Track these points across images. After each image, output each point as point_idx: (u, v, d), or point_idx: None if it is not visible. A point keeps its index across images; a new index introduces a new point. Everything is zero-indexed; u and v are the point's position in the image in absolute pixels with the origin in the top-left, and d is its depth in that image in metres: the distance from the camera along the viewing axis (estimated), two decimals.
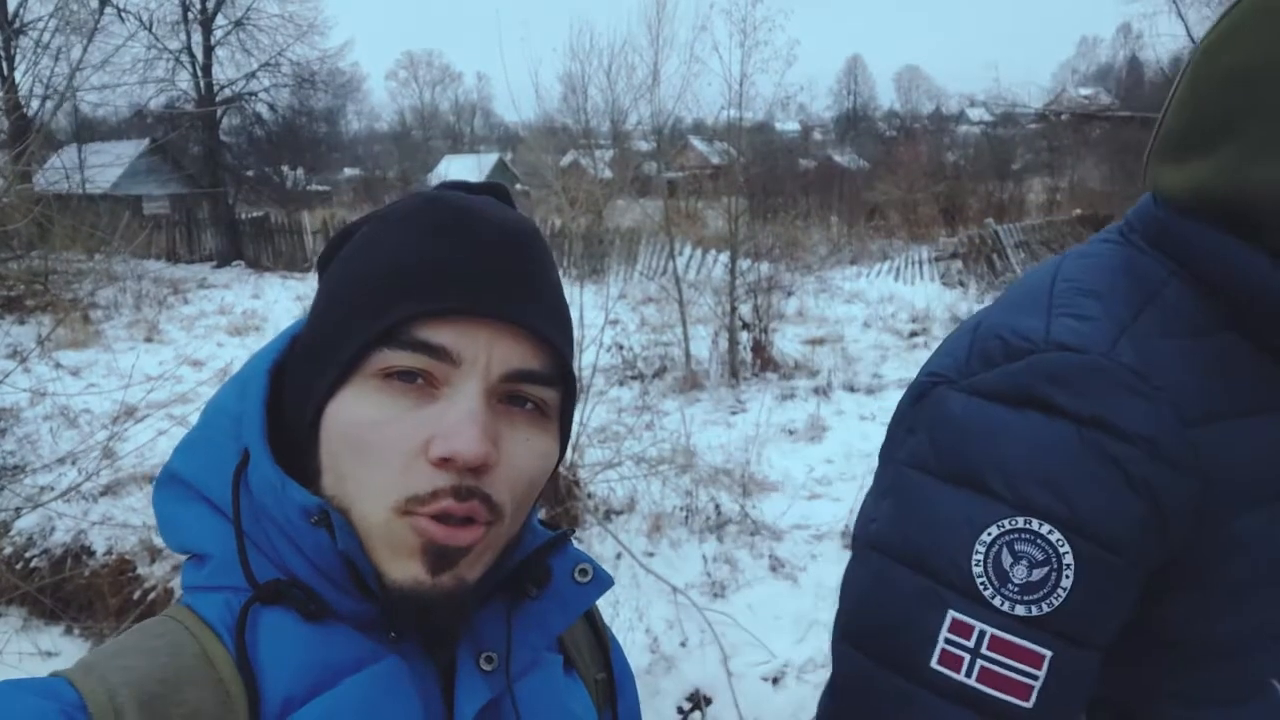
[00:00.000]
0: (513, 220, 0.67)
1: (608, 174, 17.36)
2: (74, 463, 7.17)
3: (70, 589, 6.78)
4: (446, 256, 0.63)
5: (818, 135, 65.15)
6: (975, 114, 45.16)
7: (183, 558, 0.66)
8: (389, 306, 0.62)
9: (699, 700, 5.14)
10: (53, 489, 7.00)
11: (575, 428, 7.16)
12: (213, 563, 0.62)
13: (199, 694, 0.56)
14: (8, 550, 7.27)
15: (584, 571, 0.70)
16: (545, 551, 0.69)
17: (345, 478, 0.61)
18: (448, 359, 0.62)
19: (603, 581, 0.71)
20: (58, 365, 10.98)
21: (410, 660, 0.63)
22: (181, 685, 0.56)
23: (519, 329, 0.64)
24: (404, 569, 0.61)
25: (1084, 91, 49.53)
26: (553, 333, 0.66)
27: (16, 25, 18.78)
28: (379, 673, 0.60)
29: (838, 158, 45.51)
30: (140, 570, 6.93)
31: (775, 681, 5.24)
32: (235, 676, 0.57)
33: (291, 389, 0.66)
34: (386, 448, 0.61)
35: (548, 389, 0.66)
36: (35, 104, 11.27)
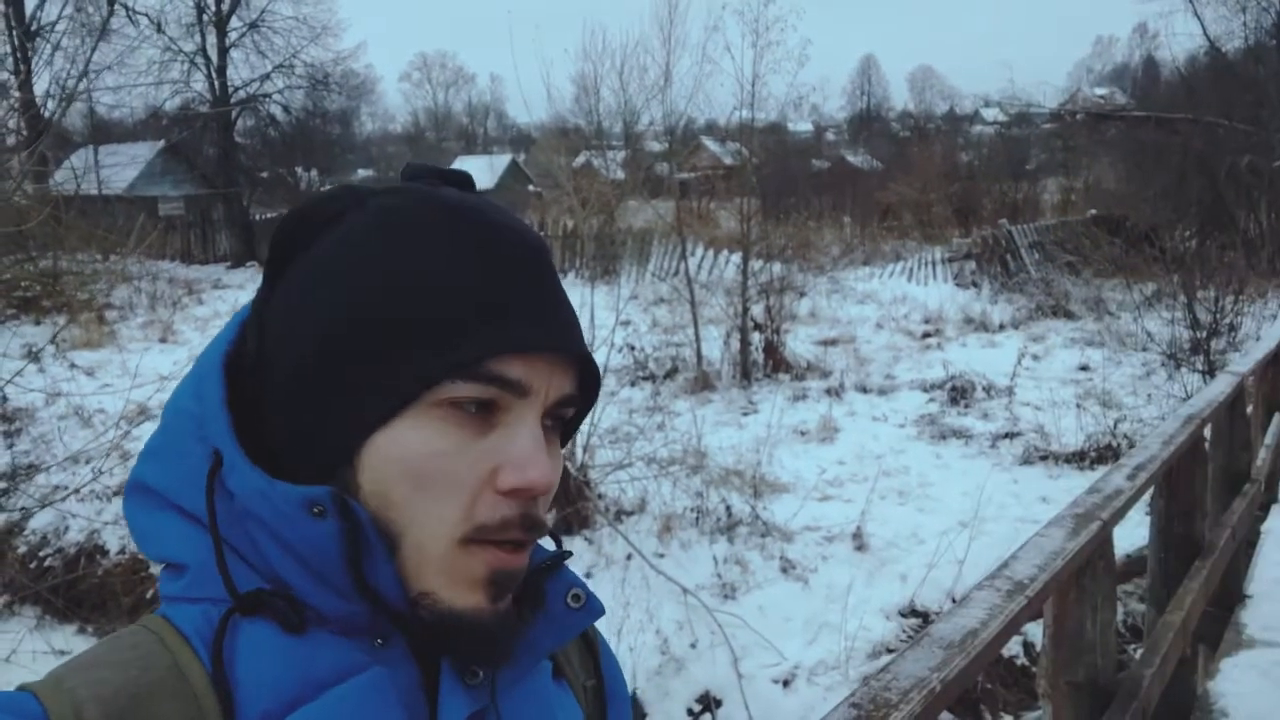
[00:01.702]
0: (530, 231, 0.67)
1: (620, 175, 17.36)
2: (88, 462, 7.21)
3: (83, 588, 6.82)
4: (504, 282, 0.62)
5: (831, 136, 65.03)
6: (990, 114, 44.98)
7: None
8: (458, 336, 0.60)
9: (709, 702, 5.13)
10: (66, 488, 7.05)
11: (586, 428, 7.15)
12: (190, 573, 0.60)
13: (170, 709, 0.55)
14: (21, 549, 7.32)
15: (576, 598, 0.68)
16: (542, 573, 0.68)
17: (399, 505, 0.60)
18: (519, 391, 0.62)
19: (594, 610, 0.69)
20: (72, 365, 11.04)
21: (395, 668, 0.61)
22: (153, 699, 0.54)
23: (570, 359, 0.65)
24: (466, 598, 0.60)
25: (1099, 91, 49.28)
26: (586, 351, 0.67)
27: (33, 28, 18.93)
28: (361, 685, 0.58)
29: (851, 158, 45.44)
30: (153, 570, 6.97)
31: (786, 684, 5.22)
32: (209, 691, 0.56)
33: (295, 405, 0.62)
34: (453, 479, 0.60)
35: (575, 405, 0.67)
36: (51, 105, 11.35)
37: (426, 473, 0.59)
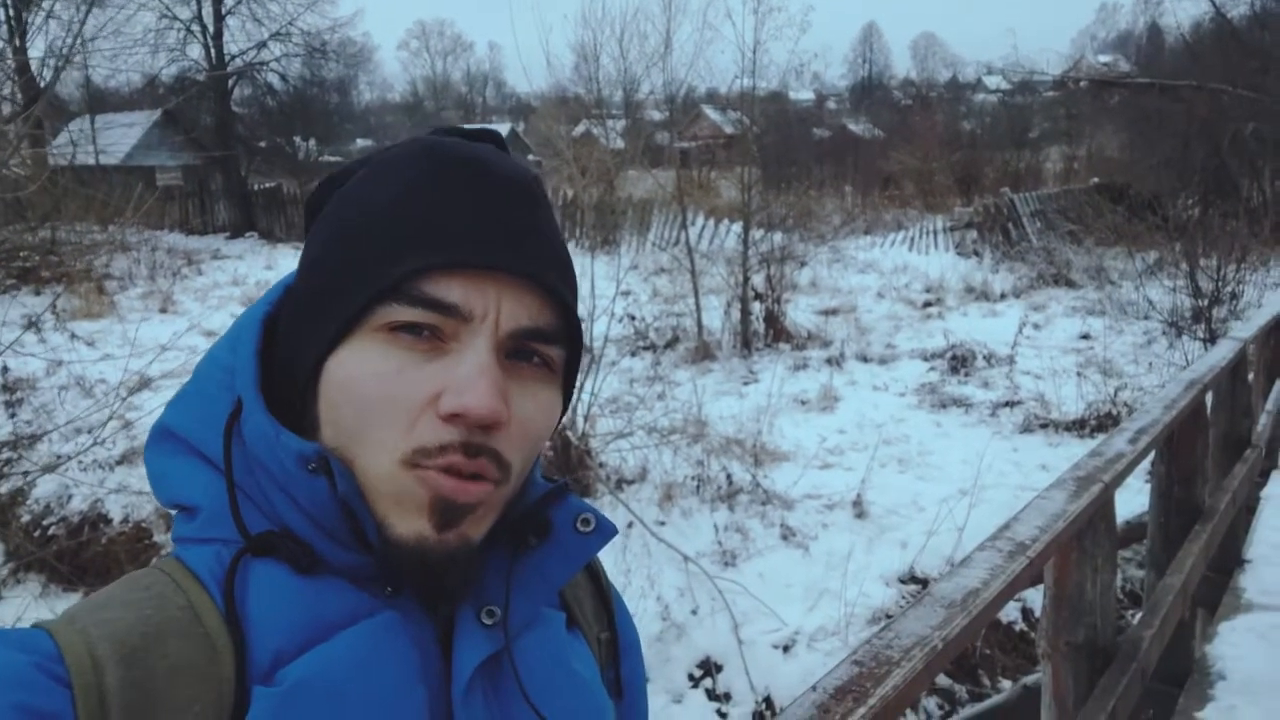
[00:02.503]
0: (517, 169, 0.66)
1: (620, 144, 17.25)
2: (89, 431, 7.22)
3: (87, 556, 6.85)
4: (453, 206, 0.61)
5: (832, 104, 64.54)
6: (992, 82, 44.64)
7: None
8: (394, 259, 0.60)
9: (710, 667, 5.17)
10: (69, 457, 7.06)
11: (587, 398, 7.16)
12: (202, 514, 0.61)
13: (183, 647, 0.55)
14: (25, 518, 7.35)
15: (586, 521, 0.68)
16: (545, 503, 0.68)
17: (347, 431, 0.60)
18: (457, 315, 0.60)
19: (605, 531, 0.69)
20: (73, 336, 11.04)
21: (407, 615, 0.61)
22: (165, 638, 0.55)
23: (528, 283, 0.63)
24: (409, 524, 0.59)
25: (1103, 59, 48.87)
26: (561, 286, 0.64)
27: None
28: (374, 626, 0.59)
29: (852, 127, 45.12)
30: (157, 538, 7.00)
31: (786, 649, 5.26)
32: (222, 629, 0.56)
33: (286, 340, 0.65)
34: (393, 401, 0.59)
35: (555, 347, 0.65)
36: (48, 74, 11.25)
37: (367, 395, 0.60)
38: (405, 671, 0.59)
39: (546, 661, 0.67)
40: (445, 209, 0.61)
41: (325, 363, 0.61)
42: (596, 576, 0.80)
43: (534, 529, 0.67)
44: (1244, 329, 5.29)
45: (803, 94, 56.01)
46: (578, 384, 7.37)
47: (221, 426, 0.62)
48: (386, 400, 0.59)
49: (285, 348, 0.65)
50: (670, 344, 11.71)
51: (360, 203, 0.64)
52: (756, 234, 12.61)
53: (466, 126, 0.71)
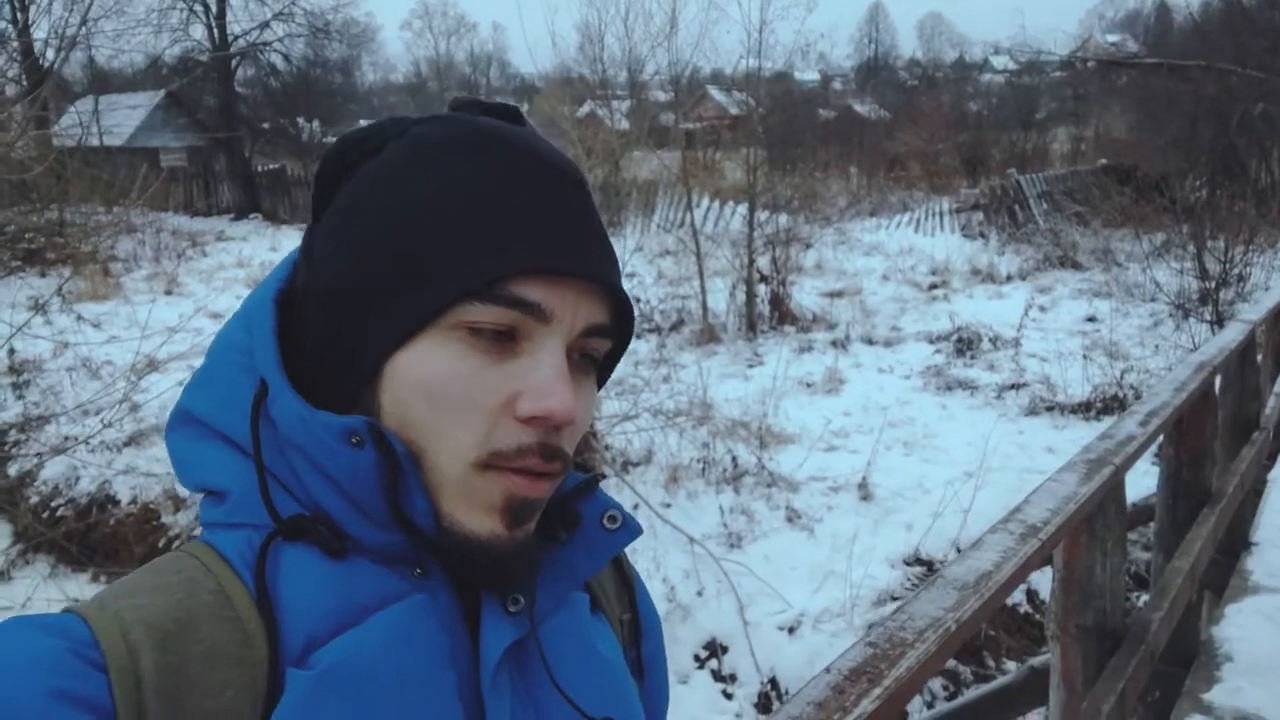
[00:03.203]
0: (564, 158, 0.66)
1: (625, 125, 17.18)
2: (97, 412, 7.24)
3: (96, 537, 6.89)
4: (531, 206, 0.61)
5: (838, 85, 64.19)
6: (999, 62, 44.32)
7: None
8: (478, 257, 0.59)
9: (715, 648, 5.20)
10: (76, 439, 7.09)
11: None
12: (231, 499, 0.61)
13: (216, 631, 0.55)
14: (34, 499, 7.39)
15: (613, 519, 0.69)
16: (575, 496, 0.68)
17: (417, 426, 0.60)
18: (539, 316, 0.60)
19: (631, 529, 0.70)
20: (79, 318, 11.07)
21: (435, 597, 0.62)
22: (197, 623, 0.55)
23: (599, 287, 0.63)
24: (482, 522, 0.60)
25: (1111, 38, 48.48)
26: (620, 285, 0.66)
27: None
28: (405, 610, 0.59)
29: (858, 108, 44.90)
30: (165, 519, 7.03)
31: (791, 631, 5.28)
32: (254, 614, 0.56)
33: (325, 330, 0.63)
34: (470, 401, 0.59)
35: (607, 341, 0.66)
36: (50, 54, 11.21)
37: (443, 395, 0.59)
38: (436, 654, 0.59)
39: (572, 645, 0.67)
40: (522, 208, 0.61)
41: (391, 358, 0.61)
42: (618, 559, 0.81)
43: (563, 522, 0.67)
44: (1252, 311, 5.27)
45: (808, 75, 55.70)
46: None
47: (247, 409, 0.61)
48: (464, 402, 0.59)
49: (326, 342, 0.63)
50: (675, 326, 11.70)
51: (420, 195, 0.62)
52: (762, 216, 12.58)
53: (483, 100, 0.70)
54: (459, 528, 0.60)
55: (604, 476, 0.71)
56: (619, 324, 0.67)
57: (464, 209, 0.61)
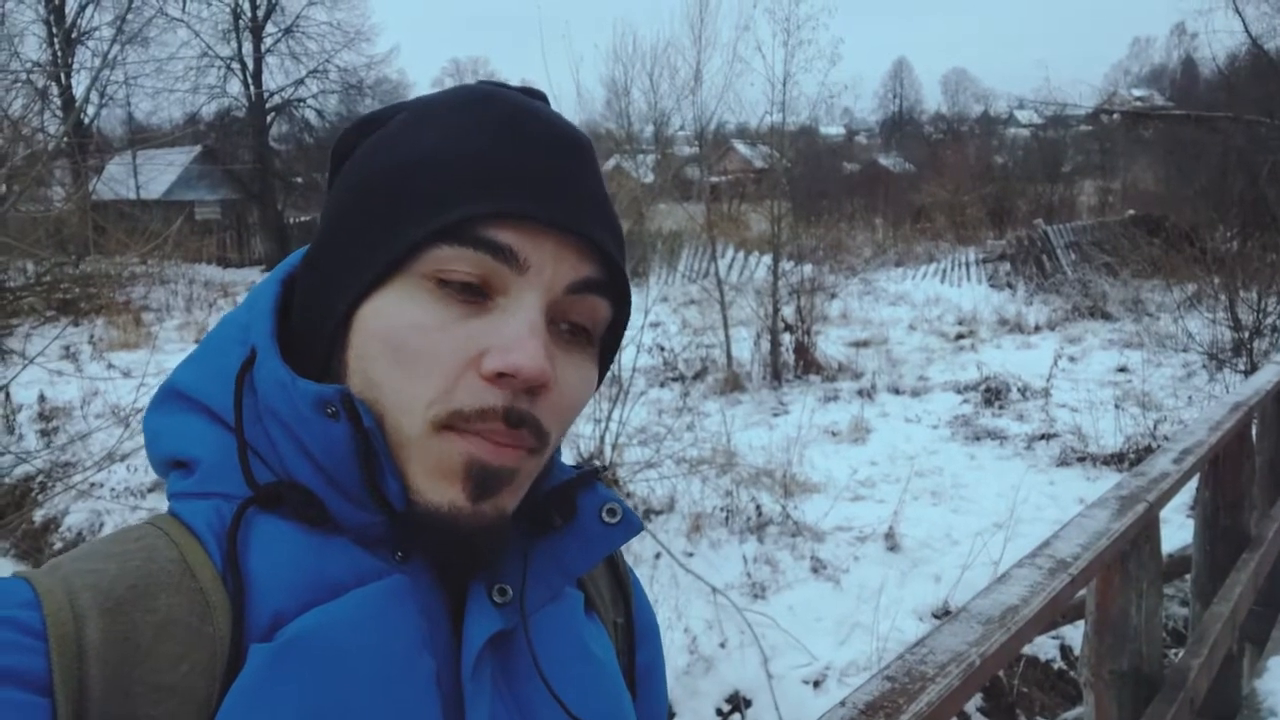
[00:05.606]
0: (570, 126, 0.63)
1: (650, 178, 17.34)
2: (123, 458, 7.28)
3: None
4: (513, 155, 0.58)
5: (863, 139, 64.63)
6: (1024, 116, 44.47)
7: None
8: (452, 200, 0.56)
9: (738, 702, 5.06)
10: (101, 485, 7.12)
11: (615, 427, 7.12)
12: (202, 468, 0.58)
13: (174, 601, 0.51)
14: (58, 545, 7.42)
15: (612, 512, 0.64)
16: (573, 487, 0.64)
17: (378, 384, 0.56)
18: (514, 263, 0.57)
19: (631, 524, 0.65)
20: (110, 366, 11.21)
21: (417, 582, 0.58)
22: (155, 591, 0.51)
23: (583, 242, 0.59)
24: (442, 491, 0.56)
25: (1137, 93, 48.56)
26: (615, 250, 0.61)
27: (74, 35, 19.28)
28: (381, 589, 0.55)
29: (883, 160, 45.11)
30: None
31: (816, 684, 5.14)
32: (218, 586, 0.52)
33: (308, 284, 0.61)
34: (433, 355, 0.55)
35: (603, 300, 0.61)
36: (90, 110, 11.54)
37: (404, 346, 0.56)
38: (411, 638, 0.55)
39: (562, 641, 0.63)
40: (505, 157, 0.58)
41: (359, 309, 0.58)
42: (614, 562, 0.77)
43: (559, 511, 0.64)
44: None
45: (833, 129, 56.16)
46: (605, 413, 7.30)
47: (232, 377, 0.59)
48: (426, 355, 0.56)
49: (308, 293, 0.61)
50: (699, 375, 11.66)
51: (408, 143, 0.60)
52: (786, 265, 12.57)
53: (508, 84, 0.68)
54: (421, 500, 0.56)
55: (606, 467, 0.67)
56: (617, 306, 0.63)
57: (451, 160, 0.58)
